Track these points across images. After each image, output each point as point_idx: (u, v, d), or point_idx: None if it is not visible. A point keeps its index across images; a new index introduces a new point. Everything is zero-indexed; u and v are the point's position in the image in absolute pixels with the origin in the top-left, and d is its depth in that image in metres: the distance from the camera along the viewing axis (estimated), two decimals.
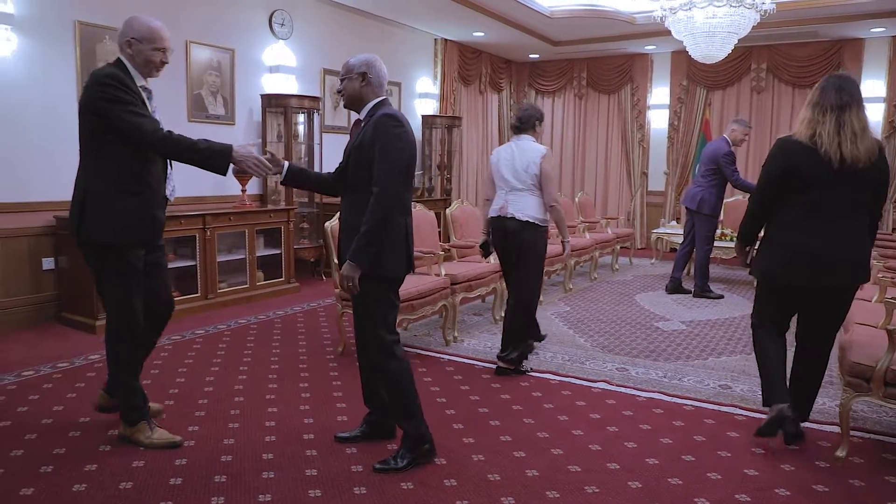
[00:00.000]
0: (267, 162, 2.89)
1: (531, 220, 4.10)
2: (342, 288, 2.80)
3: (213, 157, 2.81)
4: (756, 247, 3.30)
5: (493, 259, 5.29)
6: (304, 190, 3.30)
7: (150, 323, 3.10)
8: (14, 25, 4.81)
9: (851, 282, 3.01)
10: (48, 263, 5.15)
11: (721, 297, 6.60)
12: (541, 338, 4.84)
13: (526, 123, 4.24)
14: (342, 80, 2.88)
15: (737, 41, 6.45)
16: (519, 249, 4.15)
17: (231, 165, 2.85)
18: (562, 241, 4.42)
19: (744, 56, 9.35)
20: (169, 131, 2.81)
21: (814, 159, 2.88)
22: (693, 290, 6.68)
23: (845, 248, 2.92)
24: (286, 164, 2.96)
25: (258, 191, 6.81)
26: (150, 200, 2.93)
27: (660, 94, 10.34)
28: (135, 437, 3.04)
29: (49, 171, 5.07)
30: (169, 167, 3.07)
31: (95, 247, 2.87)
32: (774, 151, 3.03)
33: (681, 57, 9.55)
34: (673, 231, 8.67)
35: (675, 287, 6.86)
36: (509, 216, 4.13)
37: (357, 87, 2.84)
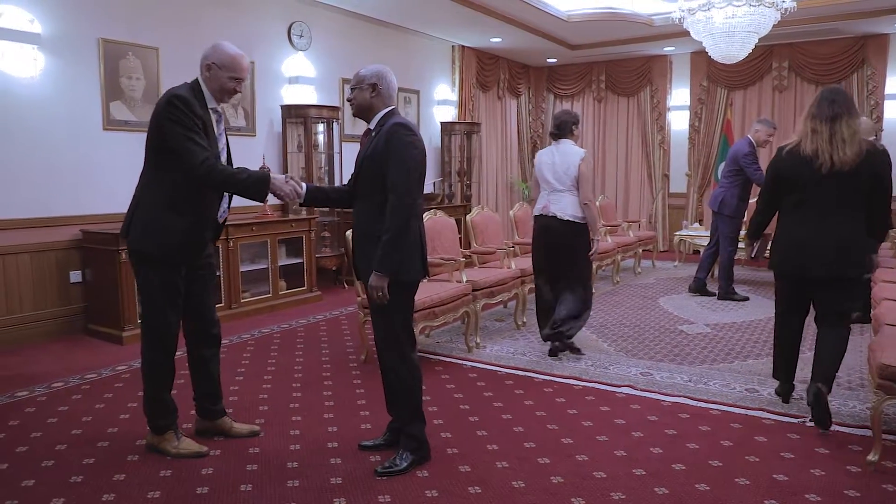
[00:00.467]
0: (297, 188, 2.96)
1: (571, 219, 4.43)
2: (369, 298, 2.83)
3: (254, 186, 2.89)
4: (760, 243, 3.99)
5: (515, 265, 5.36)
6: (323, 207, 3.36)
7: (199, 339, 3.19)
8: (40, 45, 4.92)
9: (837, 270, 3.34)
10: (75, 276, 5.24)
11: (746, 299, 6.52)
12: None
13: (563, 129, 4.59)
14: (352, 90, 2.93)
15: (757, 40, 6.38)
16: (564, 247, 4.49)
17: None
18: (590, 239, 4.53)
19: (765, 55, 9.25)
20: (215, 162, 2.86)
21: (799, 165, 3.35)
22: (717, 292, 6.61)
23: (828, 239, 3.33)
24: (304, 185, 3.02)
25: (279, 201, 6.86)
26: (197, 222, 2.99)
27: (680, 96, 10.27)
28: (162, 446, 3.08)
29: (75, 186, 5.16)
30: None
31: (137, 255, 2.96)
32: (772, 160, 3.56)
33: (700, 57, 9.47)
34: (696, 233, 8.59)
35: (698, 287, 6.82)
36: (551, 215, 4.48)
37: (367, 97, 2.89)
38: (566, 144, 4.56)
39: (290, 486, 2.79)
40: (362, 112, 2.94)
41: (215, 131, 2.99)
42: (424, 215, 5.16)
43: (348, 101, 3.01)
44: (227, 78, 2.94)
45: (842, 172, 3.25)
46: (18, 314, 4.95)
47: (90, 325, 5.24)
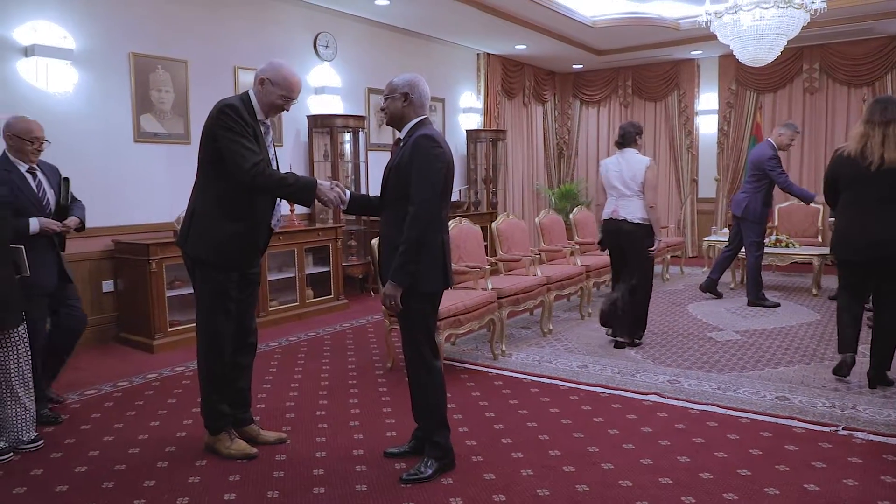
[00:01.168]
0: (342, 194, 3.01)
1: (640, 222, 4.83)
2: (384, 306, 2.86)
3: (301, 192, 2.95)
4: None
5: (541, 272, 5.38)
6: (367, 215, 3.42)
7: (236, 346, 3.24)
8: (74, 60, 5.06)
9: (885, 255, 3.77)
10: (108, 286, 5.36)
11: (777, 305, 6.41)
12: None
13: (627, 139, 4.97)
14: (385, 99, 2.96)
15: (786, 42, 6.28)
16: (631, 246, 4.90)
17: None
18: (653, 238, 4.87)
19: (795, 57, 9.11)
20: (265, 167, 2.90)
21: (852, 166, 3.84)
22: (747, 298, 6.50)
23: (876, 229, 3.78)
24: (348, 192, 3.07)
25: (306, 210, 6.95)
26: (251, 228, 3.08)
27: (708, 100, 10.15)
28: (216, 446, 3.18)
29: (106, 197, 5.28)
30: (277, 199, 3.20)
31: (194, 262, 3.07)
32: (830, 163, 4.07)
33: (728, 61, 9.35)
34: (725, 238, 8.43)
35: (708, 286, 6.97)
36: (621, 219, 4.88)
37: (399, 106, 2.91)
38: (630, 153, 4.93)
39: (316, 493, 2.81)
40: (394, 121, 2.97)
41: (264, 141, 3.06)
42: (450, 223, 5.21)
43: (381, 110, 3.04)
44: (277, 95, 3.00)
45: (891, 169, 3.70)
46: None
47: (122, 333, 5.35)
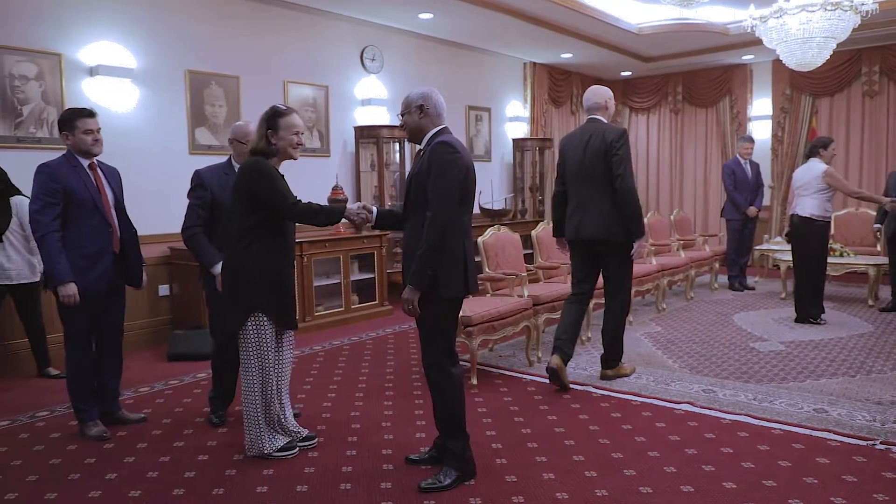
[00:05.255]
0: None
1: (808, 216, 5.82)
2: (404, 311, 2.92)
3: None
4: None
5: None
6: (394, 229, 3.57)
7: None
8: (134, 78, 5.39)
9: None
10: (164, 290, 5.66)
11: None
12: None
13: (812, 151, 6.01)
14: (401, 116, 3.06)
15: (836, 45, 6.13)
16: (801, 237, 5.93)
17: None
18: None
19: (853, 59, 8.85)
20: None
21: None
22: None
23: None
24: (375, 210, 3.24)
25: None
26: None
27: (761, 105, 9.93)
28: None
29: (164, 206, 5.56)
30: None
31: None
32: None
33: (783, 65, 9.00)
34: (777, 247, 8.24)
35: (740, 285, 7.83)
36: (795, 214, 5.96)
37: (416, 119, 2.99)
38: (813, 162, 5.93)
39: (343, 489, 2.93)
40: (413, 135, 3.05)
41: None
42: (487, 231, 5.30)
43: (400, 127, 3.15)
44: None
45: None
46: None
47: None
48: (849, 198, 7.56)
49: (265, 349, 3.20)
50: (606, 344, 4.48)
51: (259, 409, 3.22)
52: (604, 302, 4.56)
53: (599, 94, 4.44)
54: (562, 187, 4.45)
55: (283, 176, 3.22)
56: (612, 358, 4.49)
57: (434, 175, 2.83)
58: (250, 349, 3.19)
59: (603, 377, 4.48)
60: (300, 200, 3.17)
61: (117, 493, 2.93)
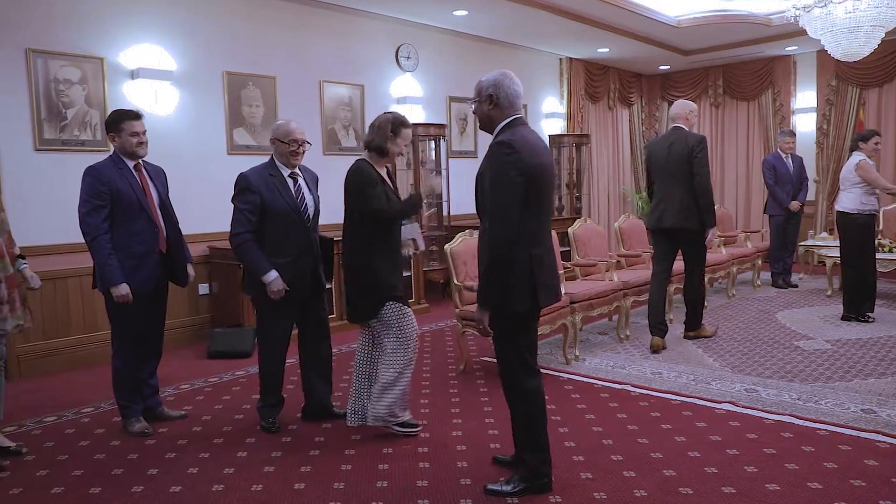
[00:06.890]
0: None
1: (844, 210, 5.79)
2: (477, 331, 2.85)
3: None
4: None
5: (617, 277, 5.39)
6: None
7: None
8: (174, 80, 5.49)
9: None
10: (203, 289, 5.76)
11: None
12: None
13: (854, 145, 5.95)
14: (473, 103, 2.84)
15: (884, 34, 5.92)
16: (841, 231, 5.87)
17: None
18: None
19: None
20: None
21: None
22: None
23: None
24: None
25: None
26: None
27: (806, 97, 9.66)
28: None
29: (203, 206, 5.65)
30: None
31: None
32: None
33: (828, 56, 8.75)
34: (823, 243, 8.01)
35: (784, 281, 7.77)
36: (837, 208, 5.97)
37: (486, 110, 2.75)
38: (855, 155, 5.81)
39: (378, 486, 2.94)
40: (484, 125, 2.81)
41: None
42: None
43: (473, 113, 2.90)
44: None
45: None
46: None
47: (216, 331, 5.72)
48: None
49: (406, 322, 3.51)
50: (689, 308, 5.33)
51: (400, 381, 3.47)
52: (683, 279, 5.38)
53: (683, 106, 5.33)
54: (650, 185, 5.31)
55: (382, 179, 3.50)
56: (693, 320, 5.32)
57: (489, 182, 2.61)
58: (392, 329, 3.49)
59: (686, 337, 5.35)
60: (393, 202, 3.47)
61: (159, 488, 2.99)
